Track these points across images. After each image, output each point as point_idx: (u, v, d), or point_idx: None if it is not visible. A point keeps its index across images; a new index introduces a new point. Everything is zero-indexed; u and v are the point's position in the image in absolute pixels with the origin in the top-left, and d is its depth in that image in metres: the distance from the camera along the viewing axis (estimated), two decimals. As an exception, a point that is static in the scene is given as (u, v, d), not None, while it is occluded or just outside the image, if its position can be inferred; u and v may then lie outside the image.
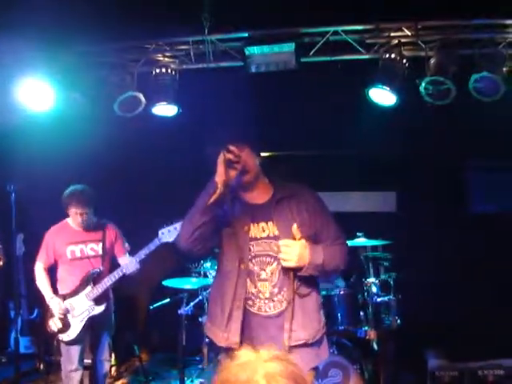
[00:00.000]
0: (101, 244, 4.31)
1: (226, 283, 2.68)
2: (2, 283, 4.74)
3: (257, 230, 2.69)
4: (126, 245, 4.48)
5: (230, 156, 2.56)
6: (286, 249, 2.52)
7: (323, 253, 2.58)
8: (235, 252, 2.67)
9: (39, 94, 4.68)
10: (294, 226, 2.54)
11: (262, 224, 2.69)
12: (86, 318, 4.17)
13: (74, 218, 4.26)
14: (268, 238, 2.67)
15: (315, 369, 2.75)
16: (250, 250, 2.66)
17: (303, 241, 2.54)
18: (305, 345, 2.63)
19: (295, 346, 2.60)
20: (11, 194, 4.28)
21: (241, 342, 2.60)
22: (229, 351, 2.62)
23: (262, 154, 2.78)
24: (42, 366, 5.59)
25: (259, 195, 2.76)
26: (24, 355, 5.40)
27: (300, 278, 2.63)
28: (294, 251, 2.51)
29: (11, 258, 4.59)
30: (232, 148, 2.58)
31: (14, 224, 4.34)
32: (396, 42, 4.35)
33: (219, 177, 2.56)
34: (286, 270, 2.62)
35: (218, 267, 2.83)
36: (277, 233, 2.66)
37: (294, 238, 2.56)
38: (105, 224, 4.41)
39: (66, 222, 4.36)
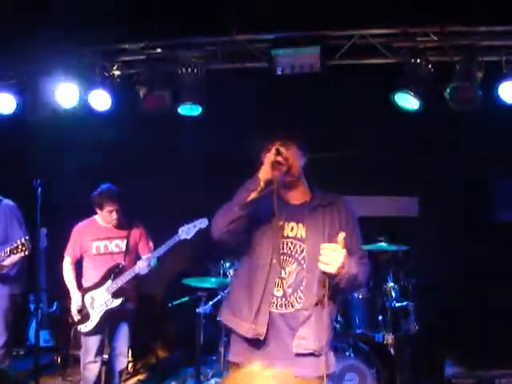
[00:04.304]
0: (125, 241, 4.39)
1: (257, 276, 2.68)
2: (24, 275, 4.79)
3: (287, 228, 2.70)
4: (151, 244, 4.54)
5: (279, 158, 2.58)
6: (332, 253, 2.43)
7: (357, 267, 2.56)
8: (268, 247, 2.68)
9: (66, 93, 4.76)
10: (342, 234, 2.45)
11: (292, 224, 2.71)
12: (103, 311, 4.26)
13: (107, 216, 4.33)
14: (295, 238, 2.69)
15: (321, 378, 2.64)
16: (280, 246, 2.68)
17: (345, 250, 2.45)
18: (312, 355, 2.62)
19: (302, 355, 2.60)
20: (37, 188, 4.35)
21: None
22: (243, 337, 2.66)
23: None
24: (59, 360, 5.67)
25: (296, 196, 2.78)
26: (42, 348, 5.46)
27: (329, 286, 2.57)
28: (339, 258, 2.42)
29: (34, 251, 4.64)
30: (282, 150, 2.59)
31: (39, 218, 4.40)
32: (422, 46, 4.35)
33: (263, 174, 2.57)
34: (320, 275, 2.59)
35: (248, 259, 2.79)
36: (304, 235, 2.67)
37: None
38: (131, 222, 4.49)
39: (94, 218, 4.46)
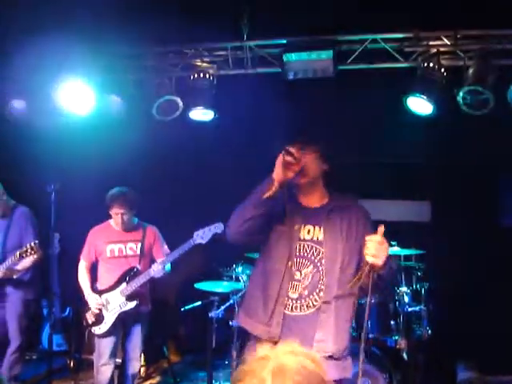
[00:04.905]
0: (140, 244, 4.42)
1: (272, 279, 2.69)
2: (37, 280, 4.82)
3: (303, 231, 2.72)
4: (165, 247, 4.55)
5: (288, 158, 2.58)
6: (378, 245, 2.43)
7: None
8: (284, 250, 2.69)
9: (79, 97, 4.78)
10: (382, 227, 2.45)
11: (309, 227, 2.72)
12: (117, 313, 4.29)
13: (115, 219, 4.39)
14: (311, 241, 2.70)
15: (337, 382, 2.66)
16: (296, 249, 2.69)
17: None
18: (330, 358, 2.61)
19: (322, 357, 2.57)
20: (51, 193, 4.38)
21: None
22: (258, 339, 2.66)
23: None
24: (72, 364, 5.68)
25: (314, 200, 2.79)
26: (55, 352, 5.49)
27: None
28: (385, 249, 2.44)
29: (48, 257, 4.68)
30: (291, 150, 2.58)
31: (53, 223, 4.43)
32: (435, 50, 4.34)
33: (277, 175, 2.57)
34: (332, 279, 2.62)
35: (263, 262, 2.80)
36: (321, 238, 2.68)
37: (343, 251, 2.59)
38: (145, 226, 4.52)
39: (109, 222, 4.50)
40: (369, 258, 2.45)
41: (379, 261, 2.44)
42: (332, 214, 2.73)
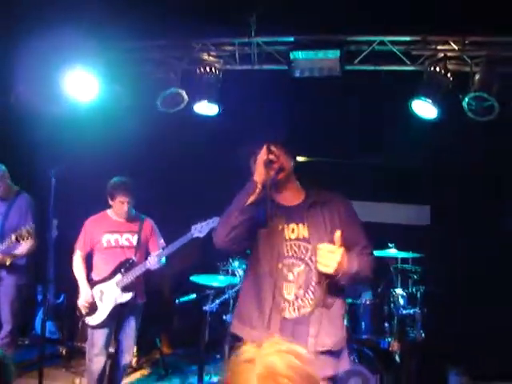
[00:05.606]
0: (136, 236, 4.40)
1: (264, 283, 2.67)
2: (32, 266, 4.82)
3: (288, 231, 2.70)
4: (161, 241, 4.55)
5: (271, 156, 2.59)
6: (328, 254, 2.47)
7: (357, 261, 2.56)
8: (271, 252, 2.67)
9: (84, 85, 4.77)
10: (338, 232, 2.49)
11: (293, 225, 2.70)
12: (112, 305, 4.27)
13: (119, 207, 4.35)
14: (298, 239, 2.68)
15: (332, 378, 2.67)
16: (284, 250, 2.67)
17: (343, 248, 2.49)
18: (328, 352, 2.61)
19: (319, 352, 2.57)
20: (52, 178, 4.37)
21: None
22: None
23: (298, 158, 2.80)
24: (64, 352, 5.68)
25: (291, 197, 2.78)
26: (47, 339, 5.47)
27: (329, 285, 2.61)
28: (336, 258, 2.46)
29: (45, 242, 4.67)
30: (273, 148, 2.60)
31: (52, 209, 4.42)
32: (442, 55, 4.35)
33: (259, 176, 2.57)
34: (318, 276, 2.60)
35: (252, 267, 2.79)
36: (307, 235, 2.67)
37: (330, 243, 2.55)
38: (143, 218, 4.51)
39: (106, 212, 4.48)
40: (319, 266, 2.49)
41: (330, 269, 2.46)
42: (312, 209, 2.71)
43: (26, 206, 4.68)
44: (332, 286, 2.61)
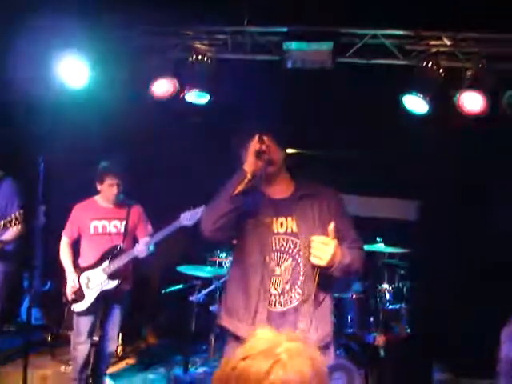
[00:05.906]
0: (124, 222, 4.38)
1: (251, 276, 2.64)
2: (19, 252, 4.79)
3: (276, 224, 2.67)
4: (149, 227, 4.52)
5: (263, 146, 2.57)
6: (322, 246, 2.45)
7: (349, 254, 2.56)
8: (258, 244, 2.65)
9: (76, 71, 4.72)
10: (332, 224, 2.47)
11: (281, 219, 2.68)
12: (98, 291, 4.25)
13: (108, 191, 4.32)
14: (286, 233, 2.65)
15: None
16: (272, 243, 2.65)
17: (336, 241, 2.48)
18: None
19: None
20: (40, 164, 4.33)
21: None
22: (240, 339, 2.61)
23: (288, 150, 2.78)
24: (49, 339, 5.66)
25: (280, 190, 2.75)
26: (33, 326, 5.46)
27: (320, 279, 2.59)
28: (329, 250, 2.44)
29: (33, 228, 4.64)
30: (265, 138, 2.58)
31: (40, 195, 4.38)
32: (434, 50, 4.35)
33: (249, 166, 2.55)
34: (310, 269, 2.58)
35: (238, 259, 2.76)
36: (295, 229, 2.65)
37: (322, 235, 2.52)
38: (131, 204, 4.48)
39: (93, 199, 4.45)
40: (312, 259, 2.48)
41: (322, 262, 2.45)
42: (302, 203, 2.69)
43: (11, 192, 4.63)
44: (323, 280, 2.59)
